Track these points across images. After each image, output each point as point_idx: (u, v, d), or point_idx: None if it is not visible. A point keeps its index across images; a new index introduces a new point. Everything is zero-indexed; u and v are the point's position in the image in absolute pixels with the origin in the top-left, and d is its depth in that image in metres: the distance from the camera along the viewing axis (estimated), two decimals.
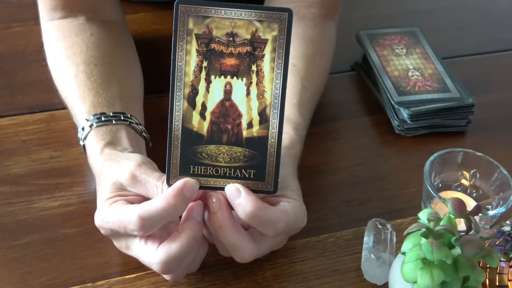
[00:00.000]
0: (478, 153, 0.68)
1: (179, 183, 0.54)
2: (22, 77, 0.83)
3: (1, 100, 0.80)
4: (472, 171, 0.69)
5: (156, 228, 0.55)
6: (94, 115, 0.65)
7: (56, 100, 0.74)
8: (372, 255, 0.62)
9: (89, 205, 0.66)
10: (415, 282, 0.53)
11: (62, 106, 0.73)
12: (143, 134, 0.67)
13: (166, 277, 0.59)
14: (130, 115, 0.66)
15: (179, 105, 0.54)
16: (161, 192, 0.56)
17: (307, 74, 0.73)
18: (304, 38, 0.76)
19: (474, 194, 0.69)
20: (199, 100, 0.54)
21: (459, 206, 0.55)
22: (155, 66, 0.77)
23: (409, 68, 0.84)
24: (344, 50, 0.85)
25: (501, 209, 0.63)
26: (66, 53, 0.71)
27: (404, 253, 0.56)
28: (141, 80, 0.75)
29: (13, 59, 0.86)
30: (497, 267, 0.58)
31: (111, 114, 0.65)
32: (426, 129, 0.80)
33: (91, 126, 0.64)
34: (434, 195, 0.64)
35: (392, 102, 0.79)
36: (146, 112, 0.71)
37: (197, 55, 0.53)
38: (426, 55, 0.86)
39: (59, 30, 0.73)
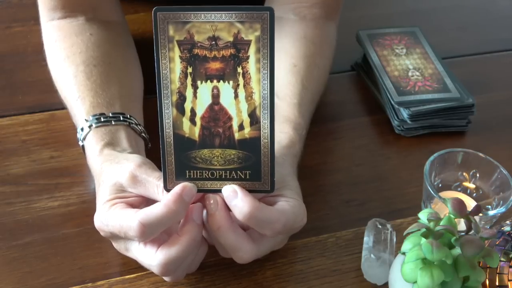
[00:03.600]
0: (478, 153, 0.68)
1: (178, 188, 0.54)
2: (22, 77, 0.83)
3: (1, 100, 0.80)
4: (472, 171, 0.69)
5: (156, 234, 0.55)
6: (94, 115, 0.65)
7: (56, 100, 0.74)
8: (372, 255, 0.62)
9: (89, 205, 0.66)
10: (415, 282, 0.53)
11: (62, 106, 0.73)
12: (143, 134, 0.67)
13: (166, 278, 0.59)
14: (130, 116, 0.66)
15: (168, 113, 0.54)
16: (161, 192, 0.56)
17: (307, 75, 0.73)
18: (304, 38, 0.76)
19: (474, 194, 0.69)
20: (187, 106, 0.54)
21: (459, 206, 0.55)
22: (155, 66, 0.77)
23: (409, 68, 0.84)
24: (344, 50, 0.85)
25: (501, 209, 0.63)
26: (65, 53, 0.71)
27: (404, 253, 0.56)
28: (141, 80, 0.74)
29: (13, 59, 0.86)
30: (497, 267, 0.58)
31: (111, 115, 0.65)
32: (426, 129, 0.80)
33: (90, 126, 0.64)
34: (434, 195, 0.64)
35: (392, 102, 0.79)
36: (145, 112, 0.71)
37: (181, 62, 0.53)
38: (426, 55, 0.86)
39: (59, 30, 0.73)
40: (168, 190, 0.55)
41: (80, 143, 0.65)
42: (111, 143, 0.63)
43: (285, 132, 0.65)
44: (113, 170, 0.58)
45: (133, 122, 0.66)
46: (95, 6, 0.75)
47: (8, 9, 0.95)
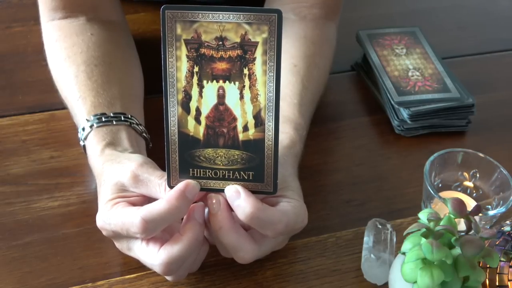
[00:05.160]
0: (478, 153, 0.68)
1: (180, 185, 0.54)
2: (22, 77, 0.83)
3: (1, 100, 0.80)
4: (472, 171, 0.69)
5: (158, 231, 0.55)
6: (95, 115, 0.65)
7: (56, 100, 0.74)
8: (372, 255, 0.62)
9: (89, 205, 0.66)
10: (415, 282, 0.53)
11: (62, 106, 0.73)
12: (144, 134, 0.67)
13: (168, 278, 0.59)
14: (131, 116, 0.66)
15: (174, 111, 0.54)
16: (163, 191, 0.56)
17: (307, 74, 0.73)
18: (304, 38, 0.76)
19: (474, 194, 0.69)
20: (193, 105, 0.54)
21: (459, 206, 0.56)
22: (155, 66, 0.76)
23: (409, 68, 0.84)
24: (344, 50, 0.85)
25: (501, 209, 0.63)
26: (66, 53, 0.71)
27: (404, 253, 0.56)
28: (142, 80, 0.75)
29: (13, 59, 0.86)
30: (497, 267, 0.58)
31: (112, 115, 0.65)
32: (426, 129, 0.80)
33: (91, 126, 0.64)
34: (434, 195, 0.64)
35: (392, 102, 0.79)
36: (146, 112, 0.71)
37: (187, 61, 0.53)
38: (426, 55, 0.86)
39: (59, 30, 0.73)
40: (171, 187, 0.55)
41: (81, 143, 0.65)
42: (112, 143, 0.63)
43: (285, 132, 0.65)
44: (115, 169, 0.58)
45: (134, 122, 0.66)
46: (96, 6, 0.75)
47: (8, 9, 0.95)
